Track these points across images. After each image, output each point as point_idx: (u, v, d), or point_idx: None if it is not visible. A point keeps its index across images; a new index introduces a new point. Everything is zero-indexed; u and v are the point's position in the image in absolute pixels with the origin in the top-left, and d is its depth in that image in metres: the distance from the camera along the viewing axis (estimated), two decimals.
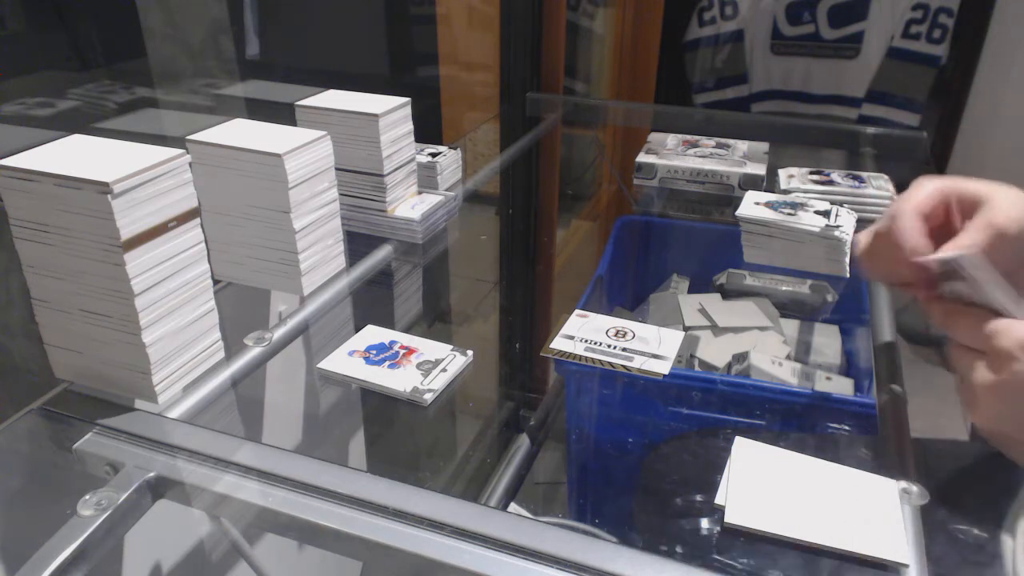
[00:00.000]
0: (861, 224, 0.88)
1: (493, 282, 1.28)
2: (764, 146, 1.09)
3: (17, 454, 0.54)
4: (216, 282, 0.59)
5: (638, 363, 0.64)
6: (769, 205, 0.87)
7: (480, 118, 1.54)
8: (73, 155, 0.51)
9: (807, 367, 1.00)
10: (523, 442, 0.88)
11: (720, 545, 0.48)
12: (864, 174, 1.02)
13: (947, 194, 0.53)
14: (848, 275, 0.83)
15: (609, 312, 0.94)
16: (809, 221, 0.83)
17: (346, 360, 0.62)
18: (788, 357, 1.05)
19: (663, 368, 0.63)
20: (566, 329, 0.69)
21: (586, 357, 0.65)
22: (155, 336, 0.52)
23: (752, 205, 0.87)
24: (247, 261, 0.68)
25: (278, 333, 0.65)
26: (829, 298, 0.99)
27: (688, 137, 1.13)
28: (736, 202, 0.89)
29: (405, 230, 0.82)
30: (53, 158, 0.50)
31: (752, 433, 0.55)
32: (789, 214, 0.85)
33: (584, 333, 0.68)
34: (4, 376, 0.65)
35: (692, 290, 1.22)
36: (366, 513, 0.45)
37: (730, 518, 0.48)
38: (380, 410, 0.70)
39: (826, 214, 0.85)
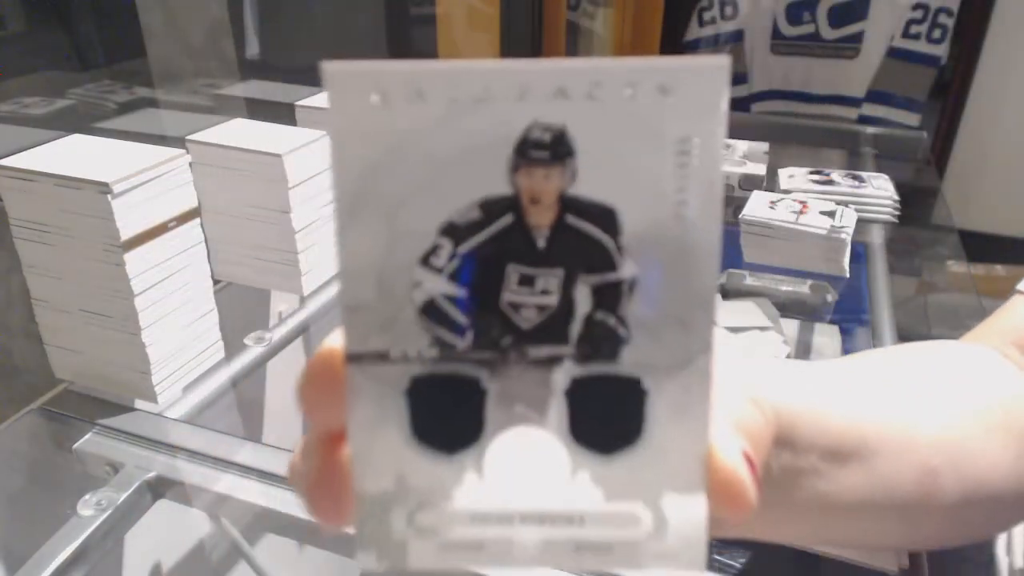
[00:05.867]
0: (860, 224, 0.88)
1: None
2: (764, 146, 1.09)
3: (17, 454, 0.54)
4: (216, 282, 0.59)
5: None
6: (772, 205, 0.87)
7: None
8: (73, 155, 0.51)
9: None
10: None
11: (720, 545, 0.48)
12: (864, 174, 1.02)
13: None
14: (848, 275, 0.83)
15: None
16: (812, 222, 0.84)
17: None
18: (788, 357, 1.05)
19: None
20: None
21: None
22: (155, 336, 0.52)
23: (758, 206, 0.87)
24: (247, 261, 0.68)
25: (278, 333, 0.65)
26: (829, 298, 0.99)
27: None
28: (736, 202, 0.89)
29: None
30: (53, 158, 0.50)
31: None
32: (792, 213, 0.85)
33: None
34: (4, 376, 0.65)
35: None
36: None
37: None
38: None
39: (831, 214, 0.85)
